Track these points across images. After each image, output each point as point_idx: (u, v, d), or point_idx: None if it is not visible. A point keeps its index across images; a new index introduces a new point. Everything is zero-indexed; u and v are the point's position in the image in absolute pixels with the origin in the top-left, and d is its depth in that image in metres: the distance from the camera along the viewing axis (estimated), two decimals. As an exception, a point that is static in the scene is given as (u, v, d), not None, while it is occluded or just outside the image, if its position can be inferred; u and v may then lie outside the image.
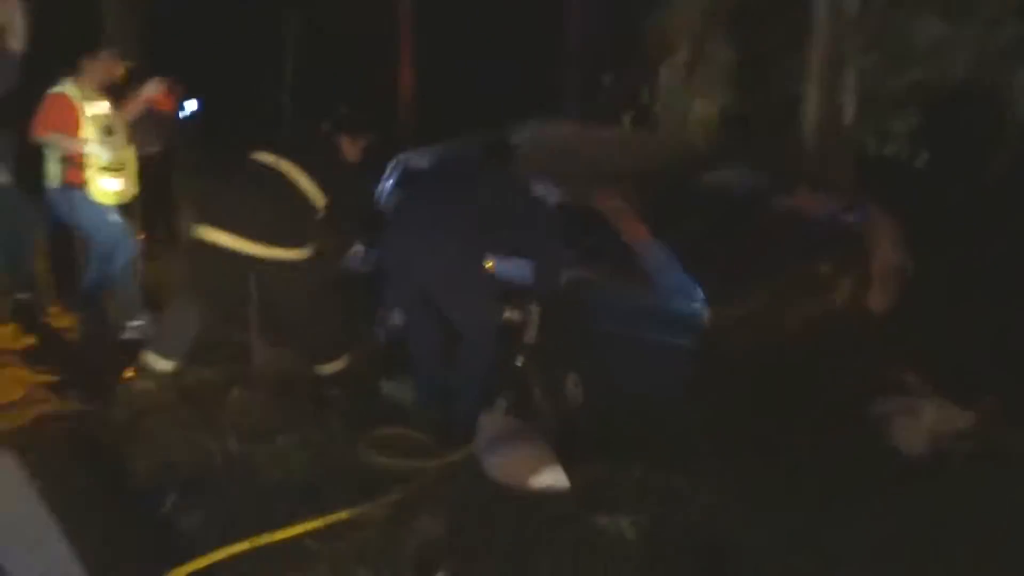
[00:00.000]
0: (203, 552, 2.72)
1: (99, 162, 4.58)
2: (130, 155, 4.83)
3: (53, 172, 4.62)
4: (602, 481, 3.48)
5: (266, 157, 4.08)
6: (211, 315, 4.22)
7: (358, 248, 4.70)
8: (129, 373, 4.11)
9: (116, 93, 4.86)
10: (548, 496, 3.36)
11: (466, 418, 3.66)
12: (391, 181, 4.78)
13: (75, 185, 4.59)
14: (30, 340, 4.65)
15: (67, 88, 4.56)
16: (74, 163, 4.56)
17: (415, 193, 3.77)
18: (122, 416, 3.79)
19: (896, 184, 6.63)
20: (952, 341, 4.66)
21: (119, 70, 4.90)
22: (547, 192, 3.99)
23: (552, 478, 3.48)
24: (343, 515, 3.03)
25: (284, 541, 2.84)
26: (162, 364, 4.07)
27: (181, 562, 2.65)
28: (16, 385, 4.01)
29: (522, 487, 3.42)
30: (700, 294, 3.39)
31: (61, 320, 5.03)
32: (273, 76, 11.26)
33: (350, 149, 4.19)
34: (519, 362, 3.67)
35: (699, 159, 4.31)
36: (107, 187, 4.65)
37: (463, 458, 3.51)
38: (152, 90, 4.91)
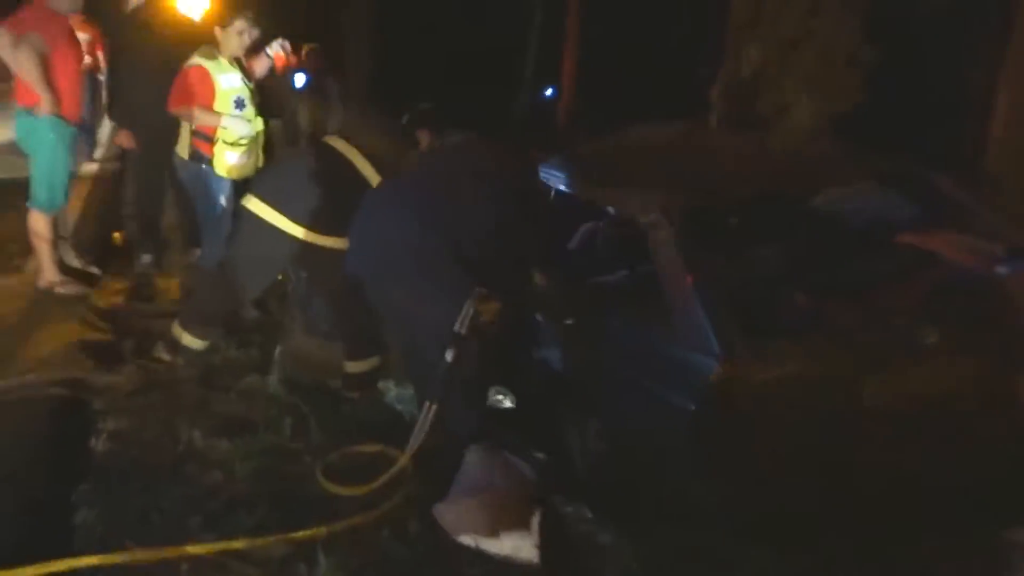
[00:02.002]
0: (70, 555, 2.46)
1: (229, 136, 4.50)
2: (258, 128, 4.64)
3: (183, 143, 4.60)
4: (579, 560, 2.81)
5: (335, 141, 3.90)
6: (250, 293, 4.08)
7: None
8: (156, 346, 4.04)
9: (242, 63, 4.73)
10: (503, 568, 2.75)
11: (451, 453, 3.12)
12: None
13: (203, 158, 4.54)
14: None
15: (203, 61, 4.47)
16: (205, 136, 4.52)
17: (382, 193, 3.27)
18: (125, 388, 3.70)
19: None
20: None
21: (251, 40, 4.76)
22: (596, 200, 3.37)
23: (515, 545, 2.85)
24: (237, 544, 2.64)
25: (152, 562, 2.51)
26: (188, 340, 3.95)
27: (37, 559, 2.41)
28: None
29: (476, 547, 2.84)
30: (717, 346, 2.56)
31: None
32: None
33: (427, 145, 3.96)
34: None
35: (805, 172, 3.34)
36: (229, 161, 4.53)
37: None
38: (275, 49, 4.75)
